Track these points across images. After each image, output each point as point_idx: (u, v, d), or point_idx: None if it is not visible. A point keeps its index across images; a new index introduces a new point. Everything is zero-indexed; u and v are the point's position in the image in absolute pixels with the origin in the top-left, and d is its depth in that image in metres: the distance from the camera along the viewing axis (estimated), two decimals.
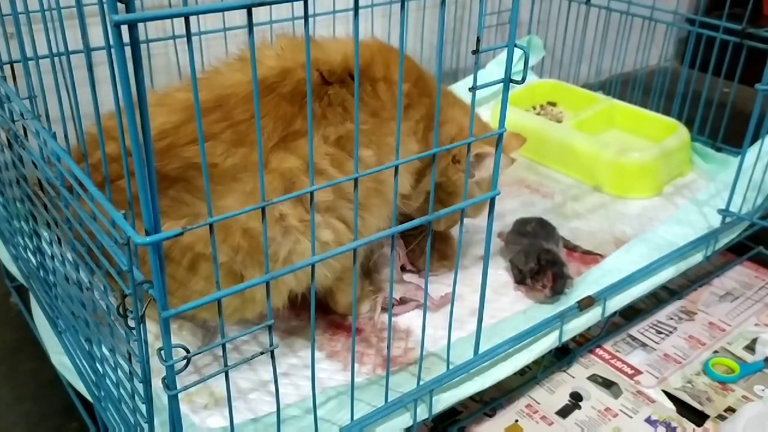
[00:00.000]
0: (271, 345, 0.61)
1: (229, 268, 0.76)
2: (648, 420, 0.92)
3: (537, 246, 1.05)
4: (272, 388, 0.65)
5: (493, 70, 1.67)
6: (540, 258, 1.01)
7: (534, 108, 1.65)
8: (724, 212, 1.15)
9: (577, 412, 0.93)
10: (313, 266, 0.62)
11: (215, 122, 0.75)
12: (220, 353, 0.60)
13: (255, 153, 0.74)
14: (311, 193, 0.59)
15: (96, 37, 0.62)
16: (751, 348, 1.06)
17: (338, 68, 0.81)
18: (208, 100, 0.76)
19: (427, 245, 0.72)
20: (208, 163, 0.72)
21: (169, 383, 0.56)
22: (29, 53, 0.70)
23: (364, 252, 0.99)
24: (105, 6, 0.43)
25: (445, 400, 0.82)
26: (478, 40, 0.60)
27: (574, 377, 0.99)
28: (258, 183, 0.72)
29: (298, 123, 0.77)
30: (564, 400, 0.95)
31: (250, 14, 0.48)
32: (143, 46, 1.24)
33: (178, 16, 0.45)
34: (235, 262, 0.76)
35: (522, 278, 1.05)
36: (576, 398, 0.96)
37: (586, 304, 0.95)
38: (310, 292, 0.64)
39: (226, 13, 1.28)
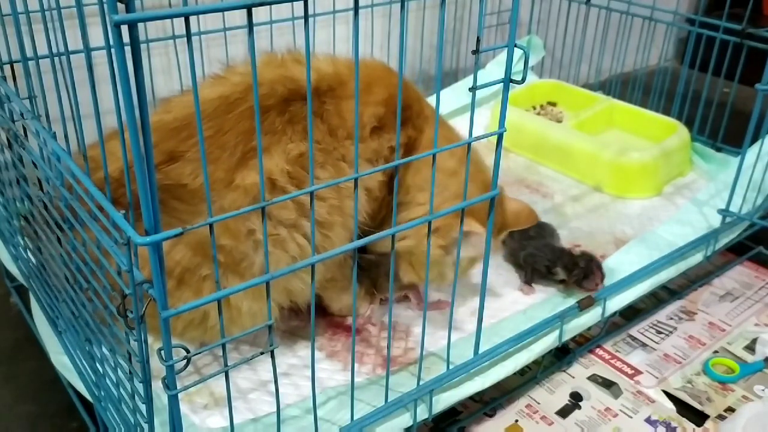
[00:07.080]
0: (271, 345, 0.61)
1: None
2: (648, 420, 0.92)
3: (550, 245, 1.06)
4: (272, 388, 0.65)
5: (493, 70, 1.67)
6: (577, 259, 1.01)
7: (534, 108, 1.65)
8: (724, 212, 1.15)
9: (577, 412, 0.93)
10: (313, 266, 0.63)
11: (182, 141, 0.74)
12: (220, 353, 0.60)
13: (218, 170, 0.74)
14: (311, 193, 0.60)
15: (96, 37, 0.62)
16: (751, 348, 1.06)
17: (304, 87, 0.78)
18: (176, 119, 0.76)
19: (427, 256, 0.72)
20: (178, 184, 0.73)
21: (169, 383, 0.56)
22: (29, 53, 0.70)
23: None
24: (105, 6, 0.43)
25: (445, 400, 0.82)
26: (478, 40, 0.60)
27: (574, 377, 0.99)
28: (224, 200, 0.73)
29: (256, 139, 0.77)
30: (564, 400, 0.95)
31: (250, 14, 0.48)
32: (143, 46, 1.24)
33: (178, 16, 0.45)
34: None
35: (531, 278, 1.06)
36: (576, 398, 0.96)
37: (586, 304, 0.96)
38: (299, 303, 0.64)
39: (226, 13, 1.28)
